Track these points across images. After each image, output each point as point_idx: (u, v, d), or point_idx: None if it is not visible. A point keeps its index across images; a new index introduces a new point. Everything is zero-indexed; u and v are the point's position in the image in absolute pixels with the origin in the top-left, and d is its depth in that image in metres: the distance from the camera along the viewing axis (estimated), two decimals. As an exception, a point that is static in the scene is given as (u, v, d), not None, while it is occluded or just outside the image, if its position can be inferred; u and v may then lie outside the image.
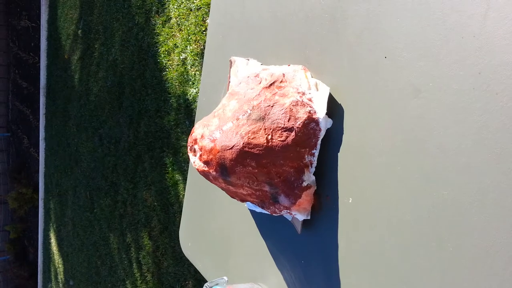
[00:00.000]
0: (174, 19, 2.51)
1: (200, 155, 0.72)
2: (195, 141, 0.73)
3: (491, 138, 0.49)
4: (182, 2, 2.44)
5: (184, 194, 2.43)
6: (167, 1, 2.57)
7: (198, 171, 0.73)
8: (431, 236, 0.55)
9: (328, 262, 0.68)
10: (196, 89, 2.34)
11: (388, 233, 0.60)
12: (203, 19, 2.30)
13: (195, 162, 0.73)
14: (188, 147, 0.75)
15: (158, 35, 2.65)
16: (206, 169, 0.71)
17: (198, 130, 0.73)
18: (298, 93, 0.69)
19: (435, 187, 0.54)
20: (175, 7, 2.50)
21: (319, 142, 0.68)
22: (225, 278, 0.83)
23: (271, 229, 0.80)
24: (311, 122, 0.67)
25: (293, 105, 0.67)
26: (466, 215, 0.51)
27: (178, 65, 2.48)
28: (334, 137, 0.68)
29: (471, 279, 0.51)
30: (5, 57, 5.51)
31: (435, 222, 0.54)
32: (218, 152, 0.69)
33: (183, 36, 2.44)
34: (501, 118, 0.48)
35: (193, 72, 2.37)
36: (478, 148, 0.50)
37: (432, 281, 0.54)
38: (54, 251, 4.37)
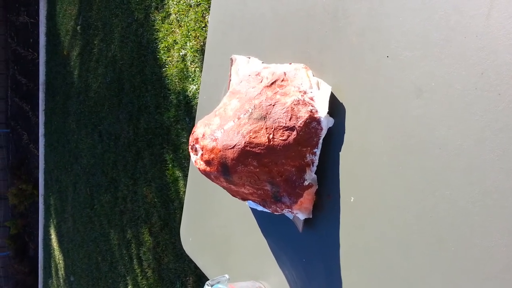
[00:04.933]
0: (174, 15, 2.50)
1: (202, 155, 0.71)
2: (197, 140, 0.73)
3: (493, 139, 0.49)
4: (182, -2, 2.43)
5: (184, 191, 2.43)
6: (166, -3, 2.56)
7: (200, 170, 0.73)
8: (432, 236, 0.55)
9: (329, 260, 0.69)
10: (196, 85, 2.33)
11: (389, 233, 0.60)
12: (202, 15, 2.29)
13: (197, 161, 0.73)
14: (189, 146, 0.75)
15: (157, 31, 2.64)
16: (207, 168, 0.71)
17: (199, 129, 0.73)
18: (300, 92, 0.69)
19: (437, 187, 0.54)
20: (175, 3, 2.49)
21: (321, 141, 0.68)
22: (227, 276, 0.83)
23: (273, 227, 0.80)
24: (312, 121, 0.67)
25: (294, 104, 0.67)
26: (468, 216, 0.51)
27: (177, 61, 2.47)
28: (335, 136, 0.68)
29: (472, 280, 0.51)
30: (3, 53, 5.49)
31: (436, 222, 0.54)
32: (220, 151, 0.69)
33: (182, 32, 2.43)
34: (504, 119, 0.48)
35: (193, 69, 2.37)
36: (480, 148, 0.50)
37: (433, 280, 0.55)
38: (55, 247, 4.38)
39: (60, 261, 4.26)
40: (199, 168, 0.73)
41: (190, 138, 0.74)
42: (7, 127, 5.61)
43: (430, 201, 0.55)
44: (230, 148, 0.68)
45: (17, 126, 5.36)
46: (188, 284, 2.42)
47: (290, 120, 0.67)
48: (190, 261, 2.35)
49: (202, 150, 0.71)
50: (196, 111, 1.02)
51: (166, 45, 2.56)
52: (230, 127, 0.69)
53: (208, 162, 0.71)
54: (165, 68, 2.57)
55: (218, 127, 0.70)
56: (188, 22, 2.39)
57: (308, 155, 0.69)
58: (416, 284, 0.56)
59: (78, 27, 3.68)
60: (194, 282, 2.38)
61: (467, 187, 0.51)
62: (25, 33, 4.95)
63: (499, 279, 0.48)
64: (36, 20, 4.61)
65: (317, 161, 0.69)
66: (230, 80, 0.84)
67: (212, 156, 0.70)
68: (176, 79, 2.48)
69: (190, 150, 0.75)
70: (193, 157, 0.74)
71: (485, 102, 0.50)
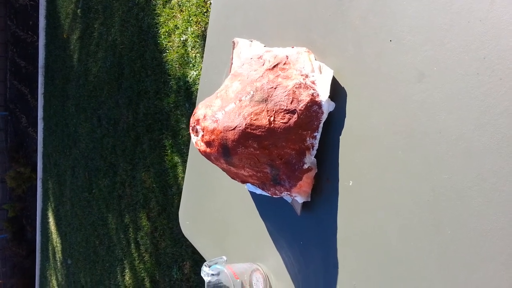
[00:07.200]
0: (175, 0, 2.49)
1: (202, 136, 0.72)
2: (198, 121, 0.73)
3: (493, 124, 0.49)
4: (184, -17, 2.41)
5: (183, 177, 2.44)
6: (168, -19, 2.54)
7: (200, 151, 0.74)
8: (430, 219, 0.55)
9: (327, 244, 0.69)
10: (197, 71, 2.33)
11: (387, 216, 0.60)
12: (204, 0, 2.27)
13: (197, 142, 0.73)
14: (190, 128, 0.75)
15: (158, 16, 2.62)
16: (208, 149, 0.72)
17: (200, 110, 0.73)
18: (302, 75, 0.69)
19: (436, 171, 0.55)
20: (176, -13, 2.47)
21: (321, 125, 0.69)
22: (224, 257, 0.84)
23: (271, 210, 0.81)
24: (313, 104, 0.67)
25: (296, 88, 0.67)
26: (465, 199, 0.52)
27: (178, 46, 2.46)
28: (336, 120, 0.68)
29: (468, 262, 0.51)
30: (3, 35, 5.44)
31: (434, 205, 0.55)
32: (221, 132, 0.69)
33: (184, 17, 2.41)
34: (504, 104, 0.48)
35: (194, 54, 2.35)
36: (479, 133, 0.51)
37: (430, 263, 0.55)
38: (52, 230, 4.40)
39: (58, 244, 4.28)
40: (199, 149, 0.73)
41: (191, 119, 0.75)
42: (5, 110, 5.60)
43: (428, 185, 0.55)
44: (231, 130, 0.68)
45: (15, 109, 5.35)
46: (185, 268, 2.45)
47: (291, 103, 0.67)
48: (187, 246, 2.37)
49: (203, 131, 0.72)
50: (196, 97, 1.02)
51: (167, 30, 2.54)
52: (231, 109, 0.69)
53: (208, 143, 0.71)
54: (165, 53, 2.56)
55: (219, 109, 0.70)
56: (189, 7, 2.37)
57: (308, 138, 0.69)
58: (413, 267, 0.57)
59: (79, 10, 3.65)
60: (191, 266, 2.40)
61: (465, 171, 0.52)
62: (25, 16, 4.91)
63: (495, 261, 0.49)
64: (36, 2, 4.57)
65: (317, 144, 0.70)
66: (232, 63, 0.84)
67: (212, 137, 0.70)
68: (176, 64, 2.47)
69: (191, 131, 0.75)
70: (193, 138, 0.75)
71: (486, 87, 0.50)
